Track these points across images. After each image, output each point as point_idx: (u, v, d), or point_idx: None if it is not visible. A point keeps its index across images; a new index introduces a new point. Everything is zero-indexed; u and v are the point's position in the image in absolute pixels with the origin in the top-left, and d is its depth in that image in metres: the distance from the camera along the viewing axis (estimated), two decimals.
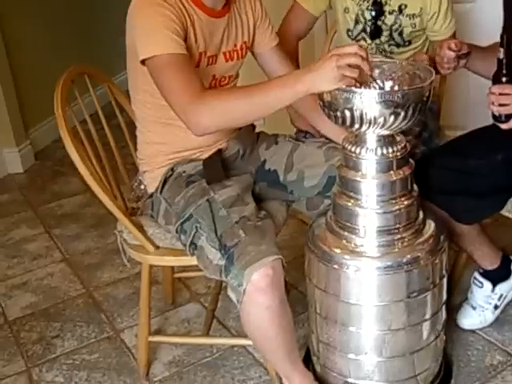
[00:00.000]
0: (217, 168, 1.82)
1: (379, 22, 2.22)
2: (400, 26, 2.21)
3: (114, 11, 3.22)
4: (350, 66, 1.43)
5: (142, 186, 1.94)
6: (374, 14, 2.21)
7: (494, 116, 1.72)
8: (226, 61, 1.84)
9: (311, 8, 2.31)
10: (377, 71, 1.69)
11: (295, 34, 2.35)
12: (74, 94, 1.94)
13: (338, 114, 1.54)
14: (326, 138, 1.98)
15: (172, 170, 1.86)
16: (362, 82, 1.55)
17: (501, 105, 1.67)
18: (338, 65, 1.42)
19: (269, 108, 1.55)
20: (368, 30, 2.24)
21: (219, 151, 1.90)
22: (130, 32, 1.69)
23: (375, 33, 2.24)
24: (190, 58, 1.64)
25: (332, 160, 1.86)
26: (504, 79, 1.67)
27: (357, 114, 1.51)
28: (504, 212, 1.97)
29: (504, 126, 1.71)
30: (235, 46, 1.86)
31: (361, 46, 1.46)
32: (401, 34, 2.22)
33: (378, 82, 1.67)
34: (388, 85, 1.69)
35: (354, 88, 1.49)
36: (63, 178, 3.70)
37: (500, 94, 1.66)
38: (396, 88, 1.68)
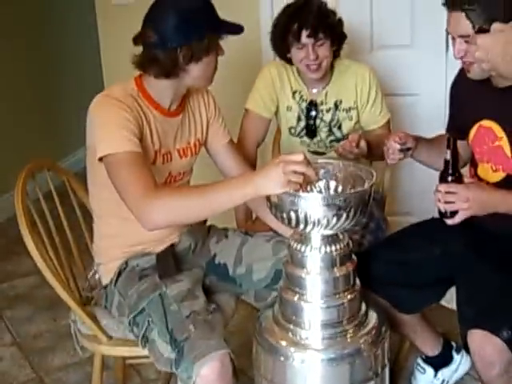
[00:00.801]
0: (169, 263, 1.90)
1: (317, 121, 2.39)
2: (338, 121, 2.39)
3: (73, 89, 3.28)
4: (295, 172, 1.54)
5: (97, 276, 2.00)
6: (312, 113, 2.38)
7: (440, 212, 1.84)
8: (180, 158, 1.94)
9: (263, 111, 2.45)
10: (322, 171, 1.80)
11: (254, 141, 2.48)
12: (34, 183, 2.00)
13: (284, 215, 1.63)
14: (275, 232, 2.08)
15: (126, 263, 1.92)
16: (308, 184, 1.66)
17: (446, 202, 1.79)
18: (285, 171, 1.53)
19: (219, 207, 1.64)
20: (307, 128, 2.40)
21: (172, 245, 1.97)
22: (90, 130, 1.79)
23: (313, 131, 2.41)
24: (144, 156, 1.74)
25: (279, 254, 1.95)
26: (450, 178, 1.80)
27: (301, 215, 1.61)
28: (443, 302, 2.08)
29: (449, 222, 1.83)
30: (189, 143, 1.96)
31: (305, 155, 1.58)
32: (340, 128, 2.40)
33: (323, 182, 1.78)
34: (332, 185, 1.80)
35: (300, 192, 1.59)
36: (17, 257, 3.68)
37: (446, 193, 1.78)
38: (339, 189, 1.79)
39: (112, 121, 1.70)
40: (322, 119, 2.40)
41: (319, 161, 1.85)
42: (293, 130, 2.45)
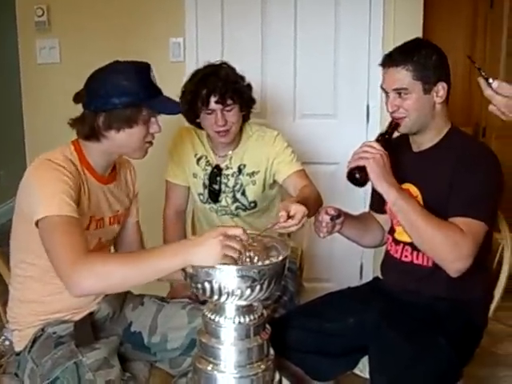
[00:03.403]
0: (87, 331, 1.86)
1: (222, 186, 2.41)
2: (241, 185, 2.41)
3: None
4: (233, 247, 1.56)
5: (7, 343, 1.94)
6: (217, 178, 2.40)
7: (350, 176, 1.90)
8: (110, 224, 1.96)
9: (178, 180, 2.50)
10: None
11: (180, 210, 2.54)
12: None
13: (199, 285, 1.63)
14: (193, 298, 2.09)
15: (43, 330, 1.87)
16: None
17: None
18: (223, 245, 1.51)
19: (151, 275, 1.62)
20: (210, 192, 2.42)
21: (91, 313, 1.94)
22: (25, 193, 1.76)
23: (216, 195, 2.42)
24: (80, 222, 1.73)
25: (194, 322, 1.95)
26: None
27: (216, 286, 1.61)
28: (356, 370, 2.11)
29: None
30: (118, 211, 1.98)
31: (244, 231, 1.59)
32: (244, 193, 2.42)
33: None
34: (247, 255, 1.83)
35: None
36: None
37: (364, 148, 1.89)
38: (256, 259, 1.81)
39: (52, 185, 1.69)
40: (226, 184, 2.42)
41: None
42: (201, 197, 2.48)
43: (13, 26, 3.35)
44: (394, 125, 1.96)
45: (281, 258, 1.70)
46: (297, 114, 3.30)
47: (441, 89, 1.94)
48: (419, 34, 3.01)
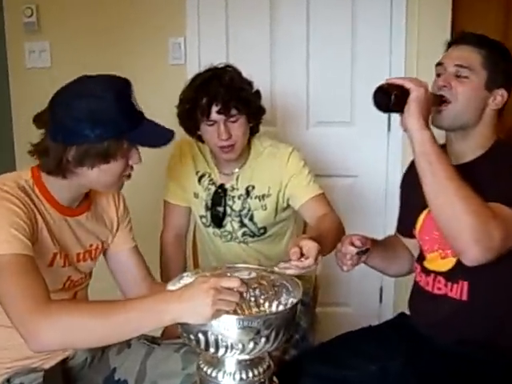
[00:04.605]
0: (58, 382, 1.61)
1: (227, 209, 2.11)
2: (249, 210, 2.10)
3: None
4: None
5: None
6: (220, 199, 2.11)
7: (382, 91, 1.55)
8: (78, 261, 1.69)
9: (180, 201, 2.20)
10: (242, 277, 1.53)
11: (180, 233, 2.25)
12: None
13: (192, 336, 1.37)
14: None
15: (8, 381, 1.62)
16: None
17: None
18: (215, 299, 1.28)
19: (126, 333, 1.36)
20: (213, 215, 2.13)
21: (65, 360, 1.69)
22: None
23: (220, 219, 2.13)
24: (35, 262, 1.44)
25: (189, 367, 1.67)
26: None
27: (212, 338, 1.34)
28: None
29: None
30: (91, 245, 1.72)
31: (242, 281, 1.33)
32: (251, 219, 2.11)
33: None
34: (251, 294, 1.53)
35: None
36: None
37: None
38: (261, 300, 1.51)
39: (0, 216, 1.43)
40: (231, 207, 2.12)
41: (237, 265, 1.59)
42: (204, 220, 2.18)
43: (0, 27, 3.11)
44: (442, 99, 1.64)
45: (291, 302, 1.42)
46: (310, 122, 3.00)
47: (500, 95, 1.69)
48: (447, 34, 2.69)
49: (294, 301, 1.43)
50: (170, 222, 2.23)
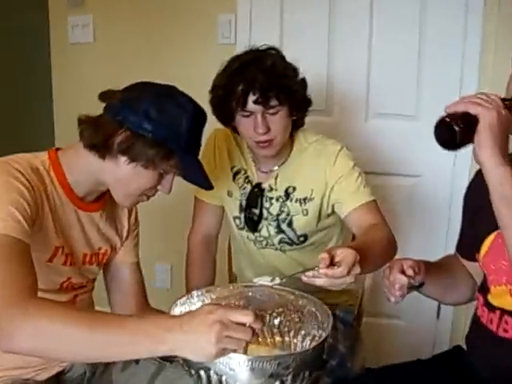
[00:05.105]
0: None
1: (264, 211, 1.85)
2: (288, 214, 1.83)
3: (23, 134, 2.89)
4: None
5: None
6: (257, 200, 1.85)
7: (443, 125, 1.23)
8: (84, 264, 1.52)
9: (213, 199, 1.97)
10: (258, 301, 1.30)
11: (210, 235, 2.02)
12: None
13: (192, 371, 1.14)
14: None
15: None
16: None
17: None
18: (220, 336, 1.05)
19: (113, 354, 1.13)
20: (247, 218, 1.87)
21: (61, 372, 1.52)
22: None
23: (255, 222, 1.87)
24: (28, 249, 1.26)
25: None
26: None
27: (214, 378, 1.11)
28: None
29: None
30: (99, 248, 1.56)
31: (257, 316, 1.08)
32: (290, 224, 1.84)
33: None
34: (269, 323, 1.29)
35: None
36: None
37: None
38: (285, 330, 1.27)
39: (1, 191, 1.28)
40: (268, 210, 1.85)
41: (260, 282, 1.34)
42: (237, 221, 1.92)
43: (43, 1, 2.95)
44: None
45: (319, 336, 1.18)
46: (370, 113, 2.68)
47: None
48: None
49: (323, 335, 1.18)
50: (199, 220, 2.00)
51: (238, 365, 1.07)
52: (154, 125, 1.34)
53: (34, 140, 2.70)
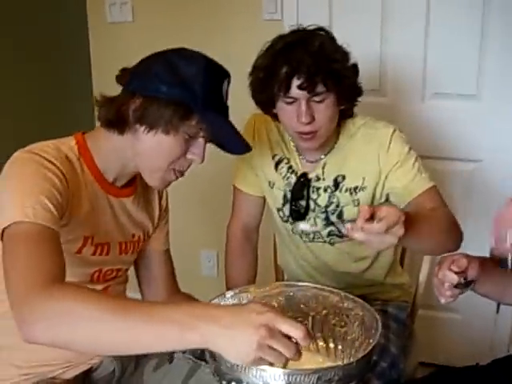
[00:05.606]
0: None
1: (311, 203, 1.71)
2: (338, 205, 1.70)
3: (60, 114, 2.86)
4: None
5: None
6: (303, 191, 1.72)
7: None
8: (120, 253, 1.46)
9: (253, 189, 1.85)
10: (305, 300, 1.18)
11: (250, 227, 1.90)
12: None
13: (223, 382, 1.03)
14: None
15: None
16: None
17: None
18: (262, 343, 0.93)
19: (138, 341, 1.00)
20: (293, 210, 1.74)
21: (89, 370, 1.45)
22: None
23: (301, 214, 1.73)
24: (58, 238, 1.19)
25: None
26: None
27: None
28: None
29: None
30: (133, 236, 1.50)
31: (309, 332, 0.96)
32: (340, 216, 1.70)
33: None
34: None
35: None
36: None
37: None
38: (328, 334, 1.14)
39: (30, 182, 1.22)
40: (315, 201, 1.71)
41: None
42: (281, 213, 1.79)
43: None
44: None
45: (367, 343, 1.05)
46: (427, 93, 2.51)
47: None
48: None
49: (371, 342, 1.05)
50: (238, 211, 1.88)
51: (272, 378, 0.96)
52: (166, 85, 1.28)
53: (73, 121, 2.65)
